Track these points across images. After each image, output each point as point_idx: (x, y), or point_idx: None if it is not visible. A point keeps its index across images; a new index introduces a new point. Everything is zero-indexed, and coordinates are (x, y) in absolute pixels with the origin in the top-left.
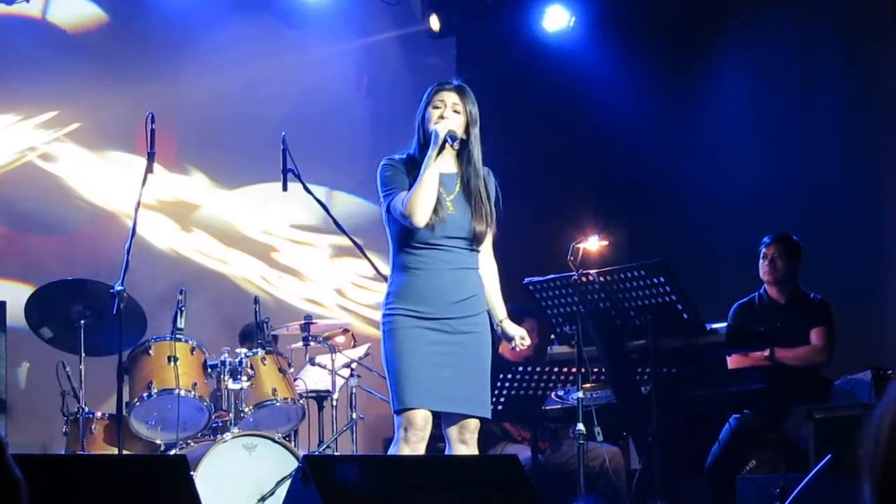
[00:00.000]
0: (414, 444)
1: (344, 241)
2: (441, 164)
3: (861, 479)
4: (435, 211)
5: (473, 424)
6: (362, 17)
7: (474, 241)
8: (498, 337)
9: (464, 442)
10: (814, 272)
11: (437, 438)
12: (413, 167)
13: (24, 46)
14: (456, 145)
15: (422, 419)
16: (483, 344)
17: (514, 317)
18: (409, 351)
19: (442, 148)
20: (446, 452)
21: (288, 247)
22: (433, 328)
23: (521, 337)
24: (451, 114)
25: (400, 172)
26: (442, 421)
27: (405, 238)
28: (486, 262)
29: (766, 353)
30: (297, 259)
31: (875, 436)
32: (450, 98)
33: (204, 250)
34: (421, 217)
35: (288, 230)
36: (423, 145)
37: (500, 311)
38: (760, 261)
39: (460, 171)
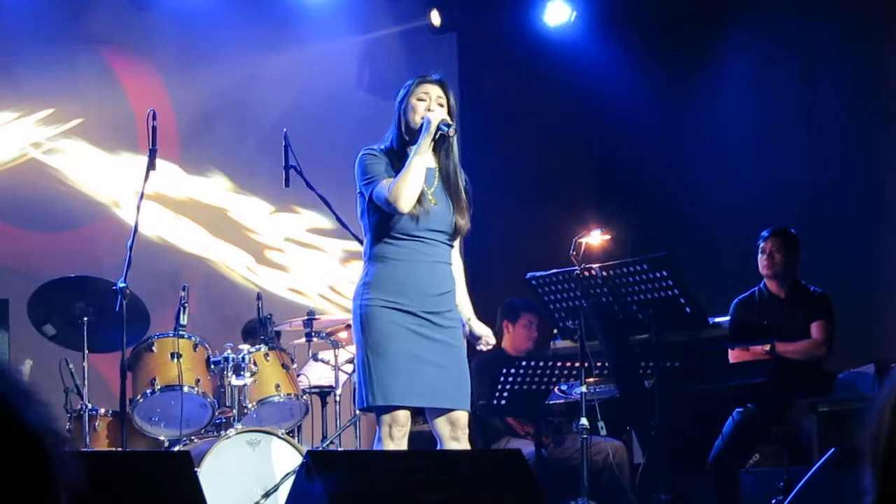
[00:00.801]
0: (398, 440)
1: (348, 238)
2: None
3: (862, 465)
4: (419, 202)
5: (463, 420)
6: (363, 12)
7: (454, 235)
8: (464, 335)
9: (456, 439)
10: (816, 265)
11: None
12: (395, 158)
13: (26, 42)
14: (452, 131)
15: (405, 416)
16: (459, 338)
17: (515, 310)
18: (390, 345)
19: (435, 137)
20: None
21: (291, 243)
22: (412, 321)
23: (487, 336)
24: (436, 106)
25: (382, 161)
26: (428, 419)
27: (386, 228)
28: (455, 259)
29: (767, 347)
30: (300, 255)
31: (877, 420)
32: (434, 91)
33: (206, 247)
34: (406, 203)
35: (291, 226)
36: (406, 137)
37: (468, 309)
38: (759, 255)
39: (439, 165)
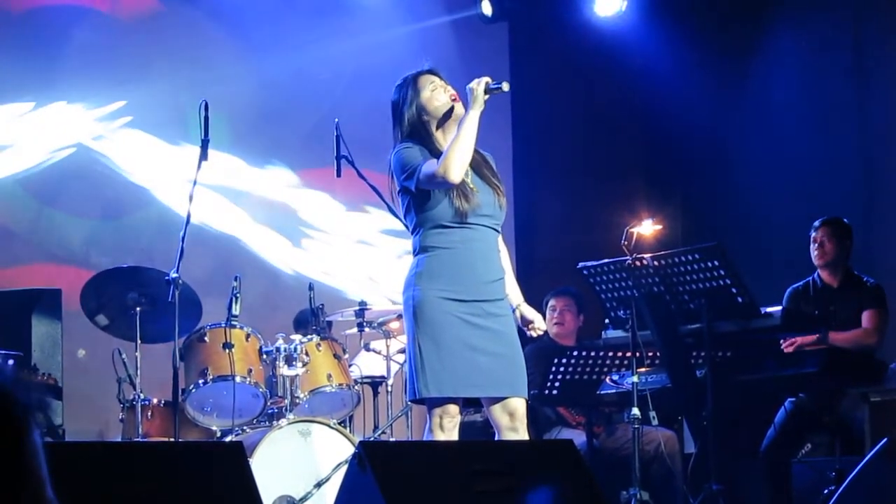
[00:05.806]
0: (449, 430)
1: (399, 228)
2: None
3: None
4: (464, 194)
5: (521, 410)
6: (414, 2)
7: (499, 218)
8: (516, 322)
9: (514, 430)
10: (867, 252)
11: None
12: (429, 148)
13: (78, 34)
14: (506, 85)
15: (455, 407)
16: (511, 326)
17: (552, 296)
18: (443, 335)
19: (486, 98)
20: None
21: (343, 233)
22: (465, 311)
23: (537, 321)
24: (451, 90)
25: (420, 150)
26: (485, 409)
27: (434, 219)
28: (500, 247)
29: (816, 336)
30: (352, 245)
31: None
32: (436, 80)
33: (257, 237)
34: (457, 173)
35: (342, 216)
36: (432, 127)
37: (517, 295)
38: (811, 244)
39: None
